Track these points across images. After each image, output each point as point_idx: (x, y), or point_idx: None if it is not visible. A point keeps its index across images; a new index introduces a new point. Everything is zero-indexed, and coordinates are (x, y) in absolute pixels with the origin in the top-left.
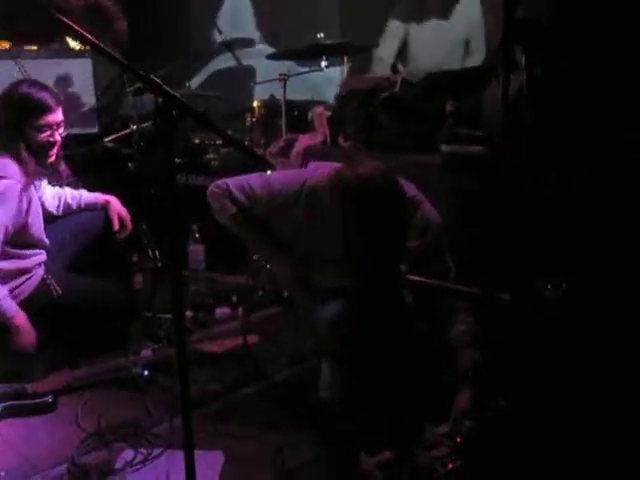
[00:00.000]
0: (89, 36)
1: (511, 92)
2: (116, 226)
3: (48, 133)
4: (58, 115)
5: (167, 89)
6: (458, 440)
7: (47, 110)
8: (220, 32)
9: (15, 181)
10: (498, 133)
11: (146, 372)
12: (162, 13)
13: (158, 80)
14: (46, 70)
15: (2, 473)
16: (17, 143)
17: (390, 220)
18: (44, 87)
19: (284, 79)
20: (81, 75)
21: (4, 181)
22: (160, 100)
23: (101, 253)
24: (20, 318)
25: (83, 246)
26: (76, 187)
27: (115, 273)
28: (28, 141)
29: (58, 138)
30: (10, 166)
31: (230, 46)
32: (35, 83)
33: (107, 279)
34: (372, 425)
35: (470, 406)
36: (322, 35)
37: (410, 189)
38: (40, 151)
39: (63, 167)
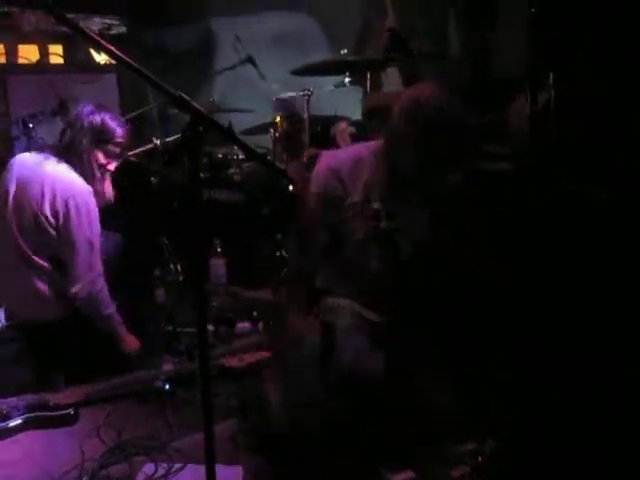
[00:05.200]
0: (113, 48)
1: (538, 108)
2: None
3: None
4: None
5: (196, 106)
6: (480, 459)
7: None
8: (242, 47)
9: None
10: (524, 149)
11: (167, 386)
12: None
13: (186, 97)
14: (72, 84)
15: None
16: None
17: None
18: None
19: (307, 95)
20: (106, 89)
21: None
22: (188, 117)
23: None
24: (124, 328)
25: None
26: None
27: (136, 286)
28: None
29: (112, 168)
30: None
31: (253, 60)
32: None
33: (126, 292)
34: (394, 443)
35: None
36: (346, 51)
37: None
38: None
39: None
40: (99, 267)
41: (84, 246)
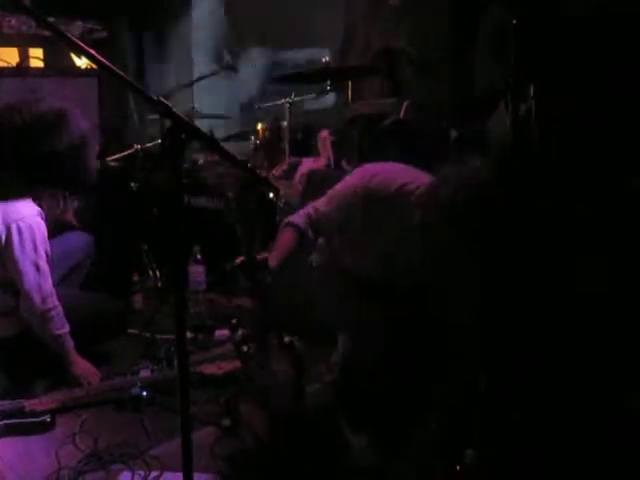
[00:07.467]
0: (94, 53)
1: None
2: None
3: None
4: None
5: (177, 112)
6: (457, 468)
7: None
8: (227, 53)
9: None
10: (505, 158)
11: (145, 393)
12: (167, 33)
13: (168, 103)
14: (52, 88)
15: None
16: None
17: None
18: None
19: (289, 103)
20: (87, 94)
21: None
22: (169, 123)
23: (91, 272)
24: (74, 352)
25: (70, 267)
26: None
27: (110, 291)
28: None
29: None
30: None
31: (235, 68)
32: None
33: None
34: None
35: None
36: (328, 59)
37: None
38: None
39: None
40: (49, 286)
41: (30, 269)
